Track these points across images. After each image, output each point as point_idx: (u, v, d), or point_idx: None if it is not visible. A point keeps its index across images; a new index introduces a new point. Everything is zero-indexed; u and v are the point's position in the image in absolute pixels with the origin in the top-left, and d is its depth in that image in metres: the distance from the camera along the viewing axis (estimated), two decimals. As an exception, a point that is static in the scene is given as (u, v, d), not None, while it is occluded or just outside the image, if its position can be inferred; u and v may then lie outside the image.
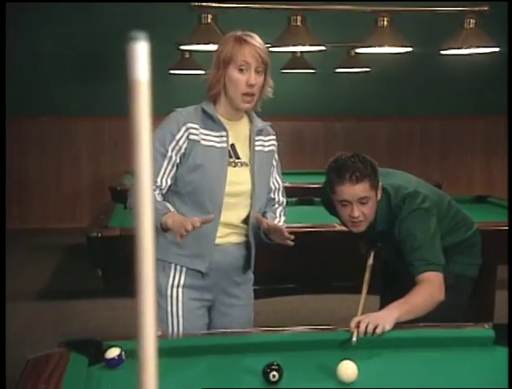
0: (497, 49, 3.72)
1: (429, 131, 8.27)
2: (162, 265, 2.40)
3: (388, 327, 2.12)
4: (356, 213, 2.44)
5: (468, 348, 2.12)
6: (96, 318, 4.80)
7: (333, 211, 2.65)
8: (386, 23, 3.71)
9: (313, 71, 6.53)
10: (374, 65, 6.74)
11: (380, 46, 3.71)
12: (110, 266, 3.91)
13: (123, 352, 1.95)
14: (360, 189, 2.41)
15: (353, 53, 5.94)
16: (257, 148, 2.44)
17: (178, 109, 2.41)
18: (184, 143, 2.32)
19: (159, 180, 2.34)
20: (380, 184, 2.50)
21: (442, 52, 3.95)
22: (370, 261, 2.66)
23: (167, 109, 8.31)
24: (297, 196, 5.05)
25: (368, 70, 6.49)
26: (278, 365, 1.86)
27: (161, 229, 2.21)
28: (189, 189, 2.35)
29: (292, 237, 2.27)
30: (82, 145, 7.91)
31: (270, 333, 2.22)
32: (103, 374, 1.90)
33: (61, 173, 7.90)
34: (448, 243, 2.65)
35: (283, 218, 2.53)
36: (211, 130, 2.36)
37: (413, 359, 2.06)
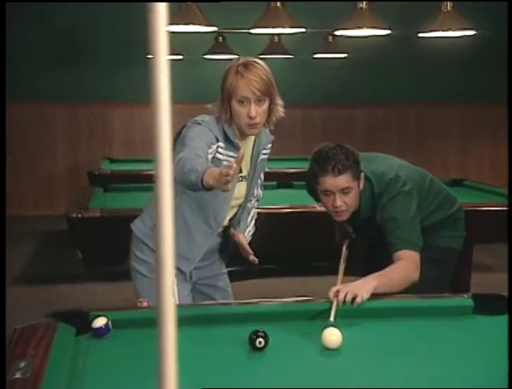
0: (473, 32, 3.77)
1: (406, 118, 8.34)
2: (154, 253, 2.46)
3: (366, 296, 2.16)
4: (339, 203, 2.48)
5: (448, 316, 2.17)
6: (75, 303, 4.78)
7: (318, 197, 2.69)
8: (365, 5, 3.74)
9: (291, 57, 6.55)
10: (352, 51, 6.79)
11: (359, 28, 3.73)
12: (90, 247, 3.92)
13: (110, 322, 1.97)
14: (342, 180, 2.46)
15: (331, 39, 5.97)
16: (257, 160, 2.57)
17: (205, 122, 2.39)
18: (211, 158, 2.37)
19: (208, 158, 2.34)
20: (362, 174, 2.55)
21: (420, 34, 3.99)
22: (344, 252, 2.71)
23: (146, 93, 8.25)
24: (276, 180, 5.09)
25: (346, 55, 6.53)
26: (264, 332, 1.90)
27: (202, 187, 2.11)
28: (199, 199, 2.45)
29: (256, 260, 2.54)
30: (58, 131, 7.85)
31: (254, 304, 2.25)
32: (90, 343, 1.91)
33: (36, 160, 7.83)
34: (433, 221, 2.71)
35: (252, 223, 2.70)
36: (230, 151, 2.43)
37: (394, 327, 2.11)
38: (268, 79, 2.36)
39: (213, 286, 2.66)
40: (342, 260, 2.61)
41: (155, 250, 0.73)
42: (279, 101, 2.43)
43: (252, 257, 2.56)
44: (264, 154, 2.61)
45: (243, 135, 2.45)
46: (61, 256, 5.90)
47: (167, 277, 0.72)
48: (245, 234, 2.65)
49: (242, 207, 2.60)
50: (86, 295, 4.92)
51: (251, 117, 2.34)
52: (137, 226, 2.57)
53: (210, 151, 2.35)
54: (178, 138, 2.39)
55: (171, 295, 0.74)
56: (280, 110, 2.44)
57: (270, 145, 2.64)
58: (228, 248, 2.65)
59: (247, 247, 2.57)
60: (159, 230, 0.72)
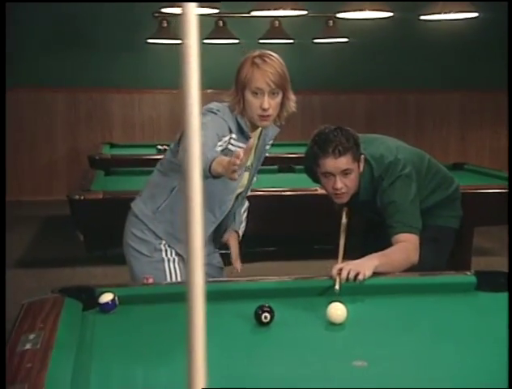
0: (476, 15, 3.77)
1: (405, 104, 8.34)
2: (154, 234, 2.52)
3: (368, 273, 2.18)
4: (339, 185, 2.49)
5: (451, 293, 2.19)
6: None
7: (316, 178, 2.69)
8: (367, -13, 3.73)
9: (291, 42, 6.54)
10: (352, 36, 6.77)
11: (361, 11, 3.73)
12: (92, 229, 3.93)
13: (116, 297, 1.98)
14: (342, 162, 2.46)
15: (331, 24, 5.96)
16: (262, 152, 2.61)
17: (220, 111, 2.39)
18: (222, 148, 2.37)
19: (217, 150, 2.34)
20: (362, 156, 2.55)
21: (422, 17, 3.99)
22: (344, 219, 2.71)
23: (146, 79, 8.12)
24: (277, 165, 5.11)
25: (346, 40, 6.52)
26: (269, 306, 1.91)
27: (210, 174, 2.09)
28: (208, 188, 2.42)
29: (239, 270, 2.68)
30: (57, 116, 7.83)
31: (259, 281, 2.27)
32: (97, 318, 1.93)
33: (36, 145, 7.82)
34: (432, 202, 2.72)
35: (245, 215, 2.76)
36: (241, 142, 2.45)
37: (398, 304, 2.13)
38: (283, 73, 2.39)
39: (208, 264, 2.68)
40: (342, 229, 2.62)
41: (185, 229, 0.74)
42: (292, 96, 2.45)
43: (238, 266, 2.66)
44: (268, 145, 2.65)
45: (254, 127, 2.47)
46: (62, 240, 5.91)
47: (196, 253, 0.72)
48: (239, 232, 2.70)
49: (242, 196, 2.63)
50: (87, 278, 4.93)
51: (264, 109, 2.36)
52: (138, 206, 2.57)
53: (220, 143, 2.34)
54: None
55: (200, 271, 0.74)
56: (292, 105, 2.46)
57: (274, 136, 2.67)
58: (221, 230, 2.67)
59: (236, 256, 2.67)
60: (187, 210, 0.72)
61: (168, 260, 2.51)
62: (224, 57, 6.87)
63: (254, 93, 2.36)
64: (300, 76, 7.91)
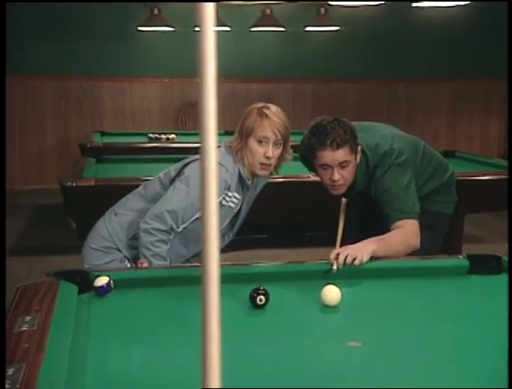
0: (467, 2, 3.78)
1: (396, 92, 8.35)
2: (120, 252, 2.56)
3: (365, 258, 2.19)
4: (337, 177, 2.49)
5: (444, 276, 2.21)
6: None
7: (311, 167, 2.70)
8: (359, -26, 3.73)
9: (282, 30, 6.54)
10: (344, 24, 6.78)
11: (353, -2, 3.72)
12: (84, 216, 3.91)
13: (111, 281, 1.98)
14: (340, 154, 2.46)
15: (323, 11, 5.96)
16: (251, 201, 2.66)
17: (223, 167, 2.42)
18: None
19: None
20: (359, 148, 2.56)
21: (414, 4, 4.00)
22: (343, 204, 2.72)
23: (136, 67, 8.08)
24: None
25: (337, 28, 6.52)
26: (264, 289, 1.92)
27: None
28: (184, 230, 2.49)
29: None
30: (47, 105, 7.79)
31: (254, 265, 2.28)
32: (92, 301, 1.93)
33: (26, 134, 7.78)
34: (428, 189, 2.74)
35: None
36: (238, 193, 2.50)
37: (392, 287, 2.15)
38: (288, 126, 2.48)
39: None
40: (341, 210, 2.64)
41: (202, 220, 0.74)
42: (290, 150, 2.54)
43: None
44: (256, 193, 2.70)
45: (252, 176, 2.53)
46: (53, 228, 5.90)
47: (212, 236, 0.72)
48: None
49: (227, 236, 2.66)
50: (80, 266, 4.90)
51: (268, 157, 2.43)
52: (113, 228, 2.57)
53: None
54: (185, 169, 2.45)
55: (216, 255, 0.74)
56: (288, 158, 2.55)
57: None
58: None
59: None
60: (204, 197, 0.72)
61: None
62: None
63: (259, 142, 2.43)
64: (291, 64, 7.97)
